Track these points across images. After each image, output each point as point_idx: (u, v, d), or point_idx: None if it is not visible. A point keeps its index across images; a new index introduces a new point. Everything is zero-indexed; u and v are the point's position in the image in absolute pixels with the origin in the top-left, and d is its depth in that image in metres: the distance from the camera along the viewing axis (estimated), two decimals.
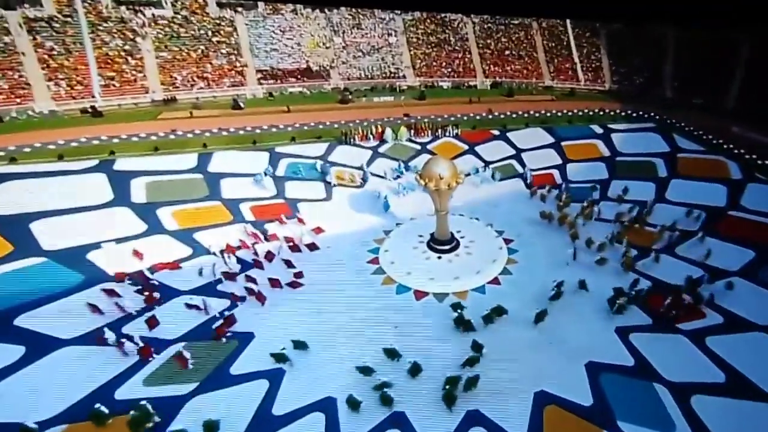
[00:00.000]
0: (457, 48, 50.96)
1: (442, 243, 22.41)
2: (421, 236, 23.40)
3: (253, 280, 20.63)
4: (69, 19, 43.25)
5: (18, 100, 38.27)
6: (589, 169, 31.43)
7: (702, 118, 38.29)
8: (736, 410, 14.85)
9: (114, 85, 42.05)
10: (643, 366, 16.70)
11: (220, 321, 18.36)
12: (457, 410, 14.88)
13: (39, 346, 16.99)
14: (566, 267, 21.76)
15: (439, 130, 36.23)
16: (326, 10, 51.25)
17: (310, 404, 15.16)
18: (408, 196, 28.71)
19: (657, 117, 39.48)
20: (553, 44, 50.98)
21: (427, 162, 21.48)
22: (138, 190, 27.27)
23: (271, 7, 50.63)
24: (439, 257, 22.03)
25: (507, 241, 23.71)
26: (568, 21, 50.71)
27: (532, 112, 40.88)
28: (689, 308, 19.18)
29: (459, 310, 18.52)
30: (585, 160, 32.62)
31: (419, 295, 20.04)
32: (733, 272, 21.11)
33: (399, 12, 52.03)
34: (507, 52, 50.72)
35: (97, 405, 13.99)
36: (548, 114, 40.61)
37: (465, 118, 39.18)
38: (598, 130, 37.17)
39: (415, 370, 16.11)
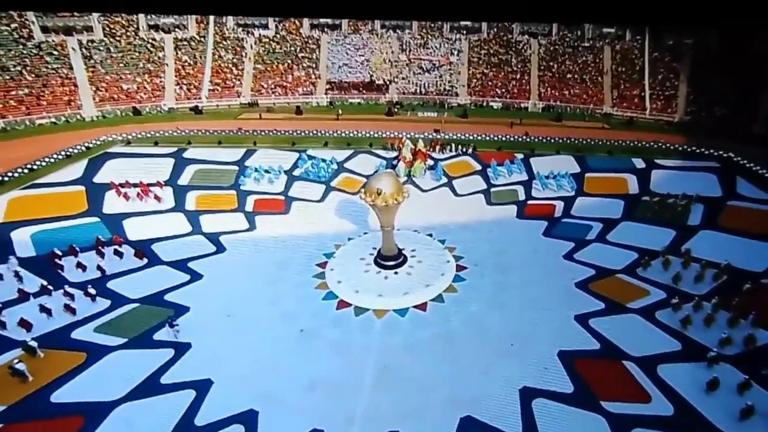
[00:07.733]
0: (515, 69, 45.36)
1: (386, 258, 20.34)
2: (375, 248, 21.57)
3: None
4: (202, 39, 50.36)
5: (153, 99, 46.14)
6: (602, 205, 25.20)
7: None
8: None
9: (217, 90, 47.72)
10: None
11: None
12: None
13: (54, 283, 19.85)
14: (503, 310, 17.95)
15: (452, 148, 32.97)
16: (398, 30, 50.41)
17: (194, 380, 15.28)
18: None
19: (725, 155, 29.78)
20: (624, 68, 41.77)
21: (371, 177, 19.61)
22: (187, 175, 30.47)
23: (352, 27, 51.76)
24: (378, 272, 20.05)
25: (460, 269, 20.47)
26: (646, 44, 41.07)
27: (581, 140, 33.62)
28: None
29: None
30: (602, 195, 26.23)
31: (341, 305, 18.53)
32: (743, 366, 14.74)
33: (464, 32, 48.43)
34: (569, 76, 43.33)
35: (30, 341, 15.95)
36: (591, 142, 33.55)
37: (496, 138, 34.79)
38: (640, 164, 29.50)
39: None
